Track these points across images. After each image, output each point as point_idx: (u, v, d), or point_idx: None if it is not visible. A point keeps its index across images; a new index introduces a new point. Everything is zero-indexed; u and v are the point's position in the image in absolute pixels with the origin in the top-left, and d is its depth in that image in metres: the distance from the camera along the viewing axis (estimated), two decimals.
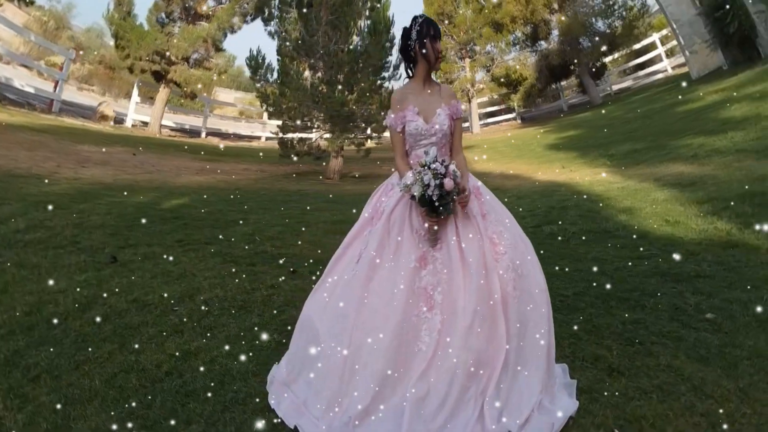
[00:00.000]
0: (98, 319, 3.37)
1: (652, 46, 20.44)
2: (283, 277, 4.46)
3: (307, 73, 10.89)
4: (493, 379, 2.21)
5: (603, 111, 17.26)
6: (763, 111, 8.45)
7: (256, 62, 11.09)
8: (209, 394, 2.62)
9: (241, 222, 6.09)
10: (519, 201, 7.43)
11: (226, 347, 3.10)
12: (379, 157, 11.58)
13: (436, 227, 2.37)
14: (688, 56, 15.23)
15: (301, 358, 2.50)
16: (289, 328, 3.44)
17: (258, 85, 11.41)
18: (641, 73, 21.30)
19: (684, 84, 14.85)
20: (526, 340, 2.30)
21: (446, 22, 21.81)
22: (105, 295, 3.76)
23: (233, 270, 4.60)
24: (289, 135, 11.30)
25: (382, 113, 10.75)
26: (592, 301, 3.70)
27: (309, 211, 7.11)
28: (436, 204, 2.28)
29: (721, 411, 2.30)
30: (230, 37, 20.14)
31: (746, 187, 5.47)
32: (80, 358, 2.93)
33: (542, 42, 22.15)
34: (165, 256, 4.66)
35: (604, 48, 20.09)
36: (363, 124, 11.00)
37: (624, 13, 19.99)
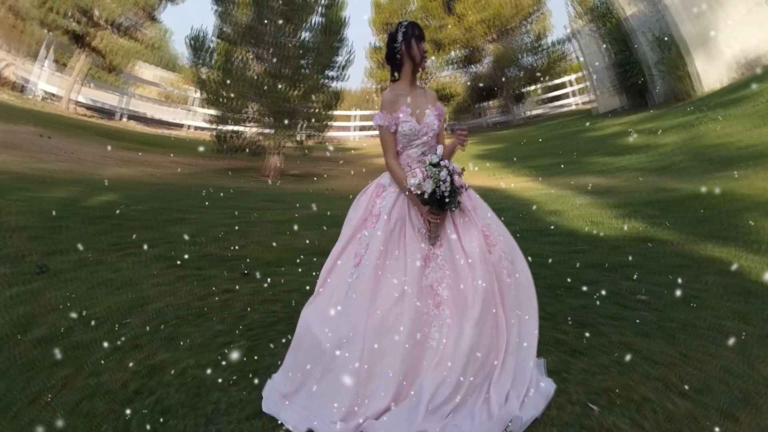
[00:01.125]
0: (42, 340, 3.05)
1: (564, 85, 24.52)
2: (236, 281, 4.31)
3: (251, 63, 10.32)
4: (500, 363, 2.35)
5: (522, 130, 19.60)
6: (655, 141, 10.37)
7: (199, 43, 10.20)
8: (187, 409, 2.50)
9: (180, 222, 5.75)
10: None
11: (192, 359, 2.96)
12: (319, 157, 11.44)
13: (437, 224, 2.46)
14: (597, 95, 18.77)
15: (302, 370, 2.41)
16: (254, 332, 3.38)
17: (197, 68, 10.55)
18: (554, 104, 25.00)
19: (589, 119, 17.57)
20: (522, 319, 2.47)
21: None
22: (42, 312, 3.38)
23: (181, 275, 4.36)
24: (227, 127, 10.65)
25: (324, 112, 10.57)
26: (541, 291, 3.93)
27: (251, 210, 6.90)
28: (447, 200, 2.36)
29: (672, 374, 2.65)
30: (170, 8, 17.79)
31: (650, 195, 6.55)
32: (34, 390, 2.62)
33: (475, 65, 25.27)
34: (101, 263, 4.29)
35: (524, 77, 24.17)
36: (305, 122, 10.76)
37: (548, 54, 24.27)
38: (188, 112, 19.69)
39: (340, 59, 11.08)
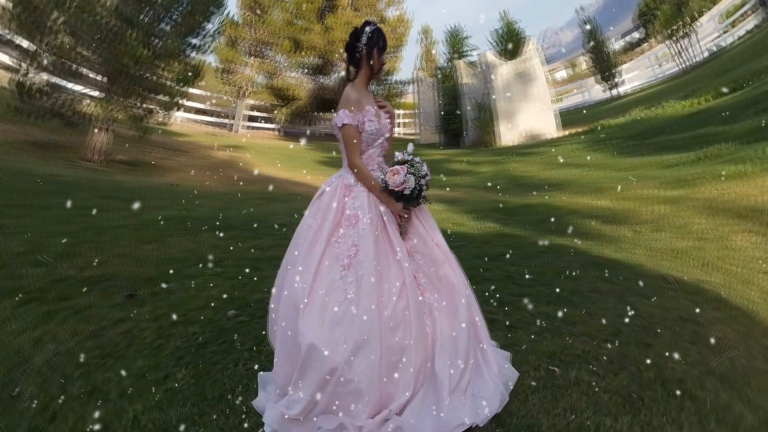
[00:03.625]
0: None
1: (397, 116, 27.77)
2: (123, 307, 3.63)
3: None
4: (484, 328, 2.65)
5: None
6: (476, 169, 13.04)
7: None
8: None
9: None
10: None
11: (138, 405, 2.45)
12: (161, 143, 9.62)
13: (408, 218, 2.57)
14: (421, 130, 23.83)
15: (314, 388, 2.27)
16: (186, 359, 2.93)
17: None
18: None
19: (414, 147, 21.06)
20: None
21: (258, 11, 22.51)
22: None
23: (45, 311, 3.48)
24: (40, 75, 7.24)
25: (178, 87, 8.77)
26: None
27: (86, 210, 5.70)
28: (423, 194, 2.49)
29: (589, 329, 3.27)
30: None
31: (492, 204, 7.70)
32: None
33: (324, 76, 25.18)
34: None
35: None
36: (151, 94, 8.49)
37: (390, 88, 25.82)
38: None
39: (210, 27, 9.17)
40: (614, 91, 24.63)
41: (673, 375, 2.72)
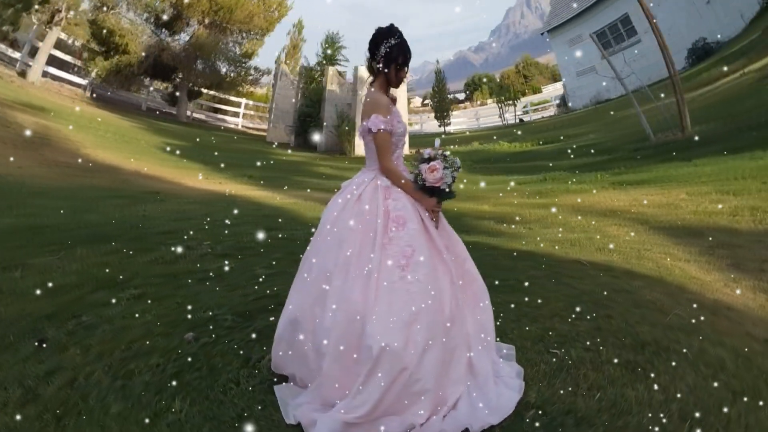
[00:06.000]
0: None
1: (237, 104, 25.69)
2: (40, 357, 2.71)
3: None
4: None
5: (195, 132, 18.48)
6: (344, 174, 13.33)
7: None
8: None
9: None
10: (209, 208, 7.04)
11: None
12: None
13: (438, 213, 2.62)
14: (270, 128, 22.27)
15: (385, 391, 2.20)
16: (166, 392, 2.33)
17: None
18: (218, 115, 25.42)
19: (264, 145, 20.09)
20: None
21: None
22: None
23: None
24: None
25: None
26: None
27: None
28: (452, 187, 2.53)
29: (548, 307, 3.58)
30: None
31: None
32: None
33: (171, 35, 20.52)
34: None
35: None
36: None
37: (244, 72, 23.78)
38: None
39: None
40: (445, 128, 30.81)
41: (646, 338, 3.10)
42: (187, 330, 3.02)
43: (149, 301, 3.45)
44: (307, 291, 2.40)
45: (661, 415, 2.33)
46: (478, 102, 40.34)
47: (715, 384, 2.57)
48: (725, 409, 2.37)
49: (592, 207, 7.05)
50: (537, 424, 2.34)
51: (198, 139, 16.11)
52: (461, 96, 42.36)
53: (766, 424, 2.29)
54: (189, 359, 2.67)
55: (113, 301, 3.38)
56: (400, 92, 19.44)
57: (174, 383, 2.43)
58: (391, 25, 2.56)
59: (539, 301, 3.75)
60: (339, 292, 2.29)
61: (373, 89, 2.59)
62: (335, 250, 2.37)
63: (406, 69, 2.57)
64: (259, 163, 12.79)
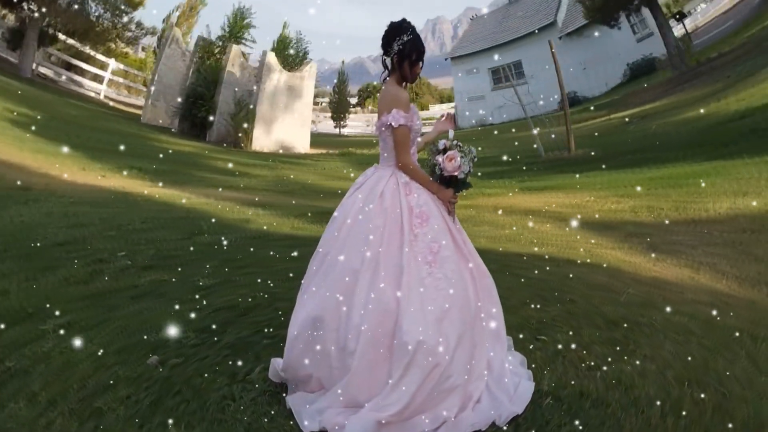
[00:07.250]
0: None
1: (103, 65, 20.42)
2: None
3: None
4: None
5: (43, 98, 14.81)
6: (247, 171, 12.13)
7: None
8: None
9: None
10: (105, 210, 6.23)
11: None
12: None
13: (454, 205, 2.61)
14: (147, 105, 18.52)
15: (418, 388, 2.17)
16: (152, 421, 1.97)
17: None
18: (73, 74, 20.11)
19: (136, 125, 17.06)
20: None
21: None
22: None
23: None
24: None
25: None
26: None
27: None
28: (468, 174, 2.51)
29: (525, 301, 3.62)
30: None
31: (310, 208, 7.40)
32: None
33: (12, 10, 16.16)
34: None
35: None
36: None
37: (119, 24, 19.31)
38: None
39: None
40: (340, 131, 31.12)
41: (614, 316, 3.30)
42: (146, 355, 2.54)
43: (83, 330, 2.84)
44: (329, 289, 2.27)
45: (662, 384, 2.47)
46: (369, 108, 41.46)
47: (691, 347, 2.80)
48: (711, 366, 2.58)
49: (512, 208, 7.49)
50: (555, 410, 2.37)
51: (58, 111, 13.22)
52: (353, 101, 43.33)
53: (749, 372, 2.54)
54: (162, 386, 2.24)
55: (37, 336, 2.71)
56: (307, 92, 18.49)
57: (154, 411, 2.02)
58: (404, 20, 2.54)
59: (504, 293, 3.82)
60: (369, 290, 2.24)
61: (393, 85, 2.54)
62: (360, 246, 2.30)
63: (420, 64, 2.55)
64: (152, 155, 10.93)
